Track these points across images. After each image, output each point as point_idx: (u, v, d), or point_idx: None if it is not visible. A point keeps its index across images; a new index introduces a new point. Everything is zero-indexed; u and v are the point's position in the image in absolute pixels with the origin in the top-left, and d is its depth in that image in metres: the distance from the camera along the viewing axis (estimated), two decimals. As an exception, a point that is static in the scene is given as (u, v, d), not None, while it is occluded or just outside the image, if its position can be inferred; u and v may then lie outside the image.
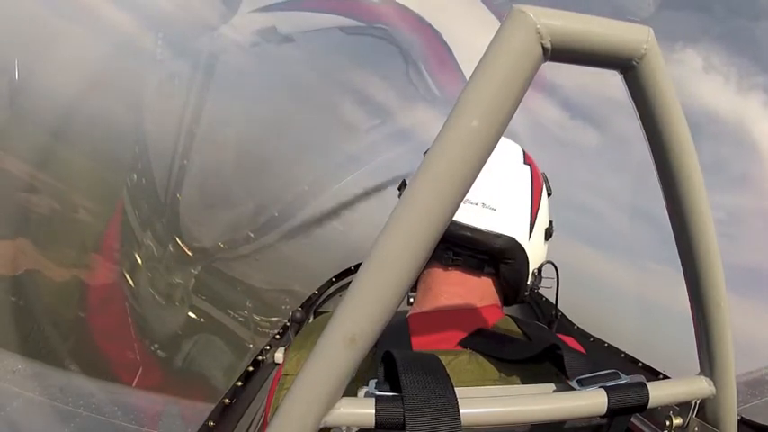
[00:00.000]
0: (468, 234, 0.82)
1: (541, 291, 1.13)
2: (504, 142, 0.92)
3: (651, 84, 0.41)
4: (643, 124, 0.44)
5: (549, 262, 0.96)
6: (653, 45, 0.39)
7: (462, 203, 0.72)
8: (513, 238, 0.84)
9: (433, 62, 5.90)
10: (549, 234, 0.93)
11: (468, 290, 0.87)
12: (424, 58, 5.90)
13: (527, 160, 0.93)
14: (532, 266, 0.90)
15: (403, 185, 0.98)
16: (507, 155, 0.91)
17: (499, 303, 0.91)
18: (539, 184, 0.92)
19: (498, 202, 0.84)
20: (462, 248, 0.85)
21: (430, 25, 5.74)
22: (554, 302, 1.25)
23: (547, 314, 2.13)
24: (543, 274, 0.97)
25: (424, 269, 0.87)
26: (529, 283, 0.91)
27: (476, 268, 0.87)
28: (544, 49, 0.37)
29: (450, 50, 5.78)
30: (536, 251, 0.89)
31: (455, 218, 0.75)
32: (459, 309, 0.86)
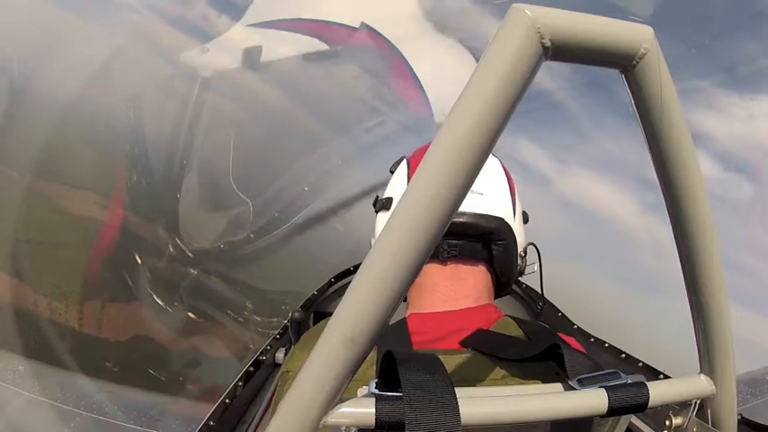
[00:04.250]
0: (463, 220, 0.86)
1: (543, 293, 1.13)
2: None
3: (652, 84, 0.41)
4: (643, 124, 0.44)
5: (530, 244, 1.01)
6: (653, 45, 0.39)
7: None
8: (502, 219, 0.89)
9: (396, 80, 6.05)
10: (526, 218, 1.00)
11: (464, 284, 0.88)
12: (388, 76, 6.05)
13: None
14: (519, 248, 0.94)
15: (377, 201, 1.01)
16: None
17: (494, 303, 0.92)
18: (508, 172, 0.98)
19: (483, 187, 0.90)
20: (457, 237, 0.88)
21: (390, 44, 5.88)
22: (540, 291, 1.23)
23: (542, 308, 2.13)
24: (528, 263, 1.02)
25: None
26: (518, 265, 0.95)
27: (470, 256, 0.89)
28: (544, 48, 0.37)
29: (411, 68, 5.92)
30: (520, 232, 0.95)
31: None
32: (457, 309, 0.86)
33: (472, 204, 0.87)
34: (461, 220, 0.86)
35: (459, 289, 0.88)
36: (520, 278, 1.01)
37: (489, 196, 0.90)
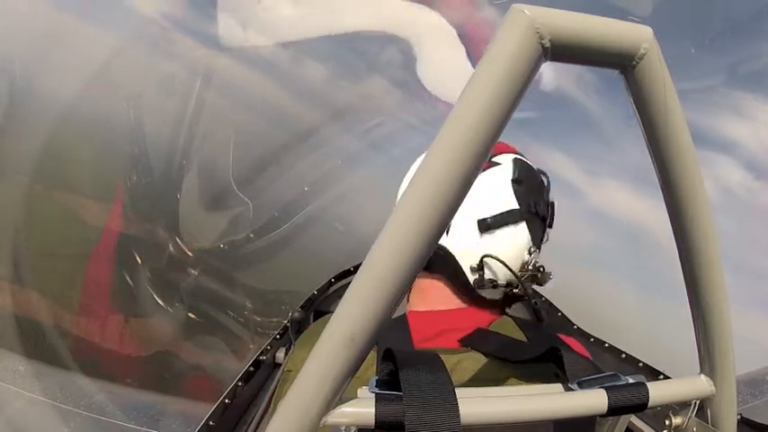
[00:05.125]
0: None
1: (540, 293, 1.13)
2: None
3: (651, 84, 0.41)
4: (643, 125, 0.44)
5: (488, 256, 0.89)
6: (653, 45, 0.39)
7: None
8: None
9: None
10: (484, 227, 0.88)
11: (437, 291, 0.90)
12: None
13: None
14: (468, 261, 0.88)
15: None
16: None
17: (490, 305, 0.92)
18: None
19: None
20: None
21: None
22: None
23: (547, 311, 2.13)
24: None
25: None
26: (472, 280, 0.88)
27: (426, 269, 0.88)
28: (544, 48, 0.37)
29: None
30: (463, 245, 0.88)
31: None
32: (452, 308, 0.87)
33: None
34: None
35: (451, 292, 0.89)
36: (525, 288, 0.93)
37: None
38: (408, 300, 0.94)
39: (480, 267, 0.88)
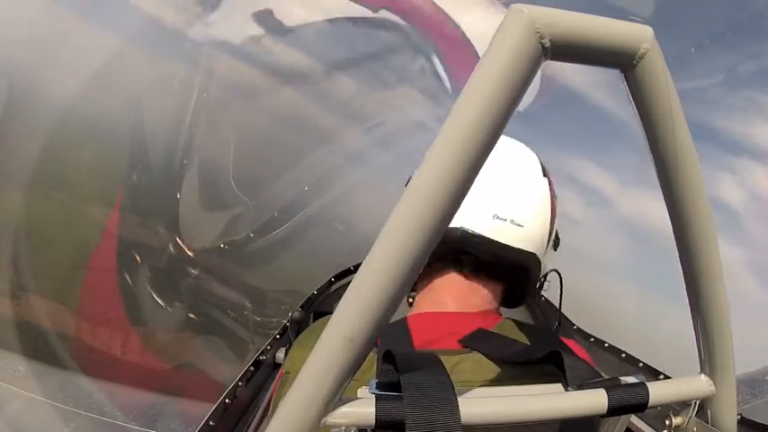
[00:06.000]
0: (497, 250, 0.85)
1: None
2: (524, 153, 0.94)
3: (651, 84, 0.41)
4: (643, 125, 0.44)
5: (553, 270, 0.99)
6: (653, 45, 0.39)
7: (493, 219, 0.81)
8: (534, 254, 0.88)
9: (448, 54, 5.59)
10: (557, 244, 0.97)
11: (474, 295, 0.89)
12: (438, 50, 5.61)
13: (545, 172, 0.94)
14: (541, 273, 0.93)
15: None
16: (530, 169, 0.93)
17: (498, 310, 0.93)
18: (554, 196, 0.93)
19: (524, 219, 0.86)
20: (486, 262, 0.87)
21: (445, 14, 5.41)
22: (557, 307, 1.27)
23: (548, 316, 2.14)
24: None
25: (437, 273, 0.90)
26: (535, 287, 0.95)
27: (491, 276, 0.89)
28: (544, 48, 0.37)
29: (468, 41, 5.44)
30: (547, 261, 0.94)
31: (485, 233, 0.81)
32: (460, 311, 0.87)
33: (510, 236, 0.85)
34: (497, 250, 0.84)
35: (468, 298, 0.88)
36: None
37: (528, 229, 0.87)
38: (411, 303, 0.94)
39: (545, 278, 0.96)
